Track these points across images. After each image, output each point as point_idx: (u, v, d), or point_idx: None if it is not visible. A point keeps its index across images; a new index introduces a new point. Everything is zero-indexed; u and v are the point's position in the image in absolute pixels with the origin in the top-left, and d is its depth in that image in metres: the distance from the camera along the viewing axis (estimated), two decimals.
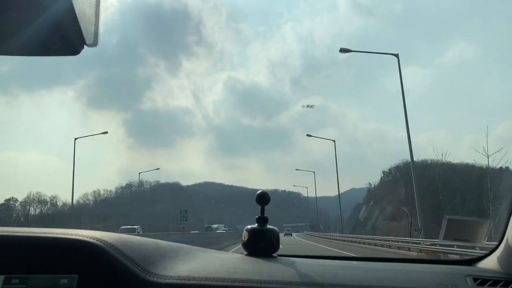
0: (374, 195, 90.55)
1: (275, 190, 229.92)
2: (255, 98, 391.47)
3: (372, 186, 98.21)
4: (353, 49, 26.87)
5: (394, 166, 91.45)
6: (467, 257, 1.32)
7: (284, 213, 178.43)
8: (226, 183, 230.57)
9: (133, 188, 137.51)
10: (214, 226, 66.21)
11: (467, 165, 56.28)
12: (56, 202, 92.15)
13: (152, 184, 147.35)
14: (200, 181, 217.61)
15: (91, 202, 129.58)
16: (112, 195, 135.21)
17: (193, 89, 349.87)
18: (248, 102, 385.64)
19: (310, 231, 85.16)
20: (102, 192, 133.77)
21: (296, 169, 63.59)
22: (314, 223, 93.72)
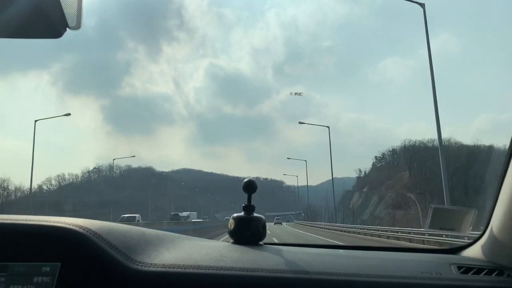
0: (367, 181, 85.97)
1: (257, 178, 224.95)
2: (237, 86, 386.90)
3: (363, 172, 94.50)
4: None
5: (389, 150, 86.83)
6: (452, 246, 1.33)
7: (266, 202, 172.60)
8: (206, 170, 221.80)
9: (102, 173, 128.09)
10: (184, 214, 57.73)
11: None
12: (8, 186, 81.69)
13: (123, 169, 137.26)
14: (177, 168, 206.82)
15: (55, 187, 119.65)
16: (78, 179, 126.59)
17: (173, 75, 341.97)
18: (230, 90, 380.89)
19: (301, 219, 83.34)
20: (67, 176, 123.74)
21: (288, 158, 61.75)
22: (302, 212, 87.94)
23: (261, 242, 1.13)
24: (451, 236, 14.09)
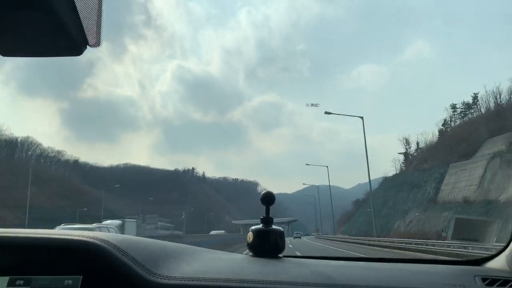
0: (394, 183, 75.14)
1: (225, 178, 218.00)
2: (206, 91, 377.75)
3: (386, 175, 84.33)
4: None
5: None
6: (475, 257, 1.29)
7: (237, 205, 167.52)
8: (152, 166, 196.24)
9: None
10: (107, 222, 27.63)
11: None
12: None
13: None
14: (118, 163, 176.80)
15: None
16: None
17: (139, 77, 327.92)
18: (199, 94, 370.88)
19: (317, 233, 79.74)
20: None
21: (307, 164, 59.32)
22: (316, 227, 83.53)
23: (280, 255, 1.13)
24: (476, 248, 13.42)
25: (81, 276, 0.82)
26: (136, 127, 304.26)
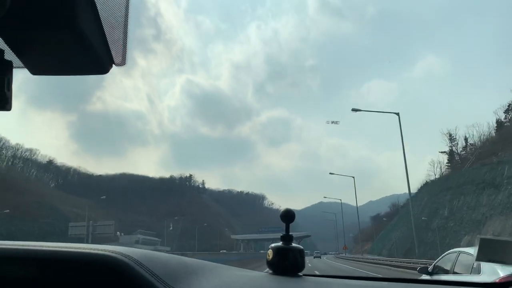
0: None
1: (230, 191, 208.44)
2: (215, 105, 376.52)
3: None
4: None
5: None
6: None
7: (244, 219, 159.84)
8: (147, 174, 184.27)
9: None
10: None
11: None
12: None
13: None
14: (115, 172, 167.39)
15: None
16: None
17: (148, 91, 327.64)
18: (207, 109, 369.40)
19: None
20: None
21: (331, 173, 55.59)
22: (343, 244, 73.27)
23: (300, 273, 1.11)
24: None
25: None
26: (144, 141, 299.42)
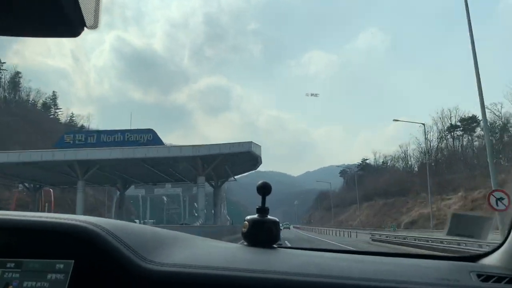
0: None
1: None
2: (149, 68, 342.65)
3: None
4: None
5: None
6: (471, 253, 1.29)
7: None
8: None
9: None
10: None
11: None
12: None
13: None
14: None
15: None
16: None
17: (72, 47, 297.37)
18: (140, 71, 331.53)
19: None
20: None
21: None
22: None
23: (274, 245, 1.12)
24: (471, 245, 13.08)
25: (73, 261, 0.82)
26: (68, 104, 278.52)
